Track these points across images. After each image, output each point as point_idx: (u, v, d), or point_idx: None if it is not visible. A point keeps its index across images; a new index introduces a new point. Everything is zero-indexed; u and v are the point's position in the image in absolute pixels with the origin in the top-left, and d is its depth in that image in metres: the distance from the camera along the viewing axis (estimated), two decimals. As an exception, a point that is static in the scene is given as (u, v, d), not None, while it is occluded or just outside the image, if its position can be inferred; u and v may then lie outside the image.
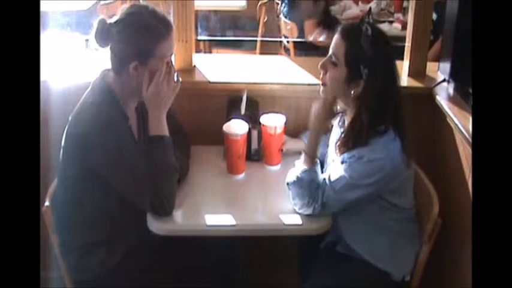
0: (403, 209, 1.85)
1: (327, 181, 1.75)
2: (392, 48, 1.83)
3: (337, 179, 1.73)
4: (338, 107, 1.85)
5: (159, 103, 1.77)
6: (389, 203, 1.81)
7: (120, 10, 1.77)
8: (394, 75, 1.78)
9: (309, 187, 1.76)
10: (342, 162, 1.74)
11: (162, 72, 1.74)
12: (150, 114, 1.78)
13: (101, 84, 1.78)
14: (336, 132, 1.92)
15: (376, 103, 1.72)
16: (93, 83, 1.81)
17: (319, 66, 1.80)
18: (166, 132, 1.78)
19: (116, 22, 1.74)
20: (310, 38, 3.92)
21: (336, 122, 1.95)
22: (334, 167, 1.78)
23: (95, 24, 1.73)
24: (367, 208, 1.81)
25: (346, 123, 1.84)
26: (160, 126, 1.77)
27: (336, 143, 1.82)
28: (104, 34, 1.73)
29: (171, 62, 1.80)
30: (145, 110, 1.82)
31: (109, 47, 1.75)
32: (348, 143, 1.76)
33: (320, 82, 1.82)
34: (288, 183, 1.82)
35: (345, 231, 1.89)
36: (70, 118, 1.76)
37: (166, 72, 1.76)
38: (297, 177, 1.78)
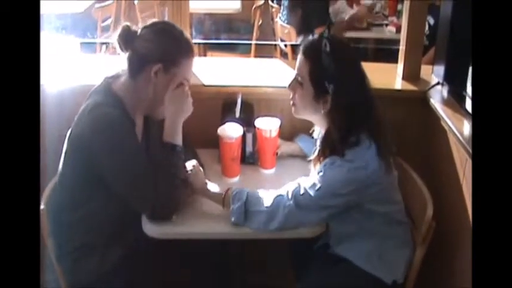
0: (386, 214, 1.82)
1: (301, 188, 1.72)
2: (355, 53, 1.82)
3: (312, 186, 1.70)
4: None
5: (179, 110, 1.77)
6: (370, 211, 1.79)
7: (144, 24, 1.79)
8: (361, 82, 1.75)
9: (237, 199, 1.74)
10: (319, 172, 1.73)
11: (187, 85, 1.77)
12: (167, 121, 1.76)
13: (106, 89, 1.78)
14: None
15: (344, 116, 1.71)
16: (96, 88, 1.80)
17: (287, 88, 1.81)
18: (180, 142, 1.77)
19: (146, 26, 1.77)
20: None
21: (316, 136, 1.96)
22: (311, 175, 1.77)
23: (119, 29, 1.75)
24: (351, 215, 1.78)
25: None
26: (175, 135, 1.76)
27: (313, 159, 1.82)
28: (130, 36, 1.75)
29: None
30: (153, 120, 1.84)
31: (132, 48, 1.75)
32: (323, 157, 1.76)
33: (291, 102, 1.83)
34: (233, 223, 1.75)
35: (333, 238, 1.89)
36: (75, 120, 1.75)
37: (189, 87, 1.79)
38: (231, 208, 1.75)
